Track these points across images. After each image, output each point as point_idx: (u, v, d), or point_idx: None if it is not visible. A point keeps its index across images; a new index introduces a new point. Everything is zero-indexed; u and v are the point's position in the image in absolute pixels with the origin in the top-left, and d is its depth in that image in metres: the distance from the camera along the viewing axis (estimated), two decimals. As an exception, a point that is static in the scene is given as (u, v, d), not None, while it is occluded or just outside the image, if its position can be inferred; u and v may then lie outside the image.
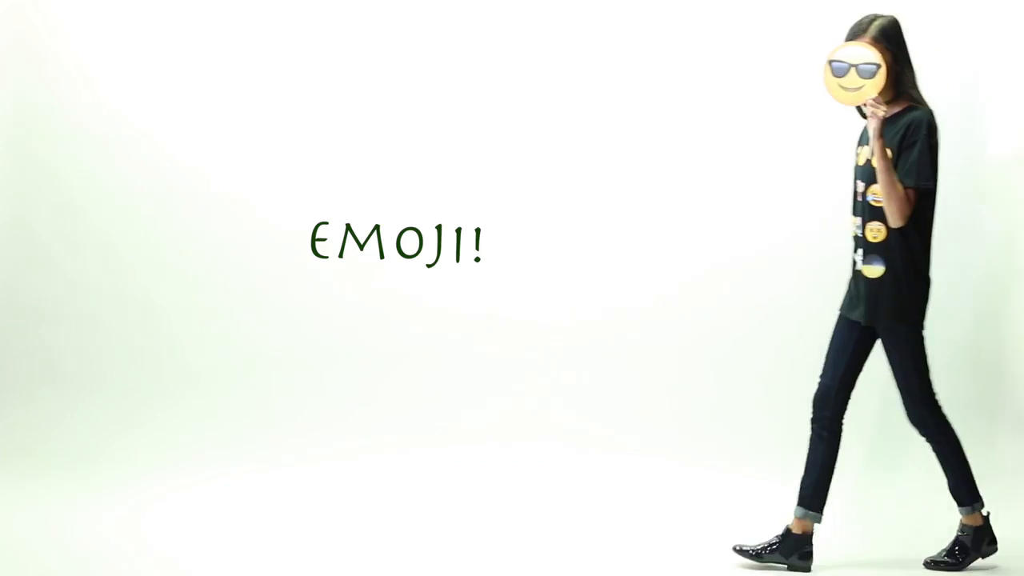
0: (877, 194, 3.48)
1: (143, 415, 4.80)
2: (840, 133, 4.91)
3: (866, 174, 3.52)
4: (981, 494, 3.65)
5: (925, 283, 3.57)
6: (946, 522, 3.75)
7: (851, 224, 3.62)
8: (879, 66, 3.42)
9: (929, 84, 4.88)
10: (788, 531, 3.64)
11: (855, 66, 3.44)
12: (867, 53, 3.43)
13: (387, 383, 4.84)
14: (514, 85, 4.93)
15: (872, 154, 3.45)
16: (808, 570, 3.60)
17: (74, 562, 3.52)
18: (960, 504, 3.66)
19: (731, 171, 4.90)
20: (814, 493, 3.64)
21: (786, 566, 3.61)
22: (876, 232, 3.51)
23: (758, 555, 3.61)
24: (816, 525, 3.66)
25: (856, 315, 3.59)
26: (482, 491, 3.86)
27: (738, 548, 3.63)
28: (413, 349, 4.76)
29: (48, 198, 4.98)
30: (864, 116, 3.55)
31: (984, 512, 3.67)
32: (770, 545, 3.63)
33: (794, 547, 3.61)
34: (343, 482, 4.43)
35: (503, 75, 4.94)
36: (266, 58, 4.92)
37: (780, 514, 4.02)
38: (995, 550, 3.67)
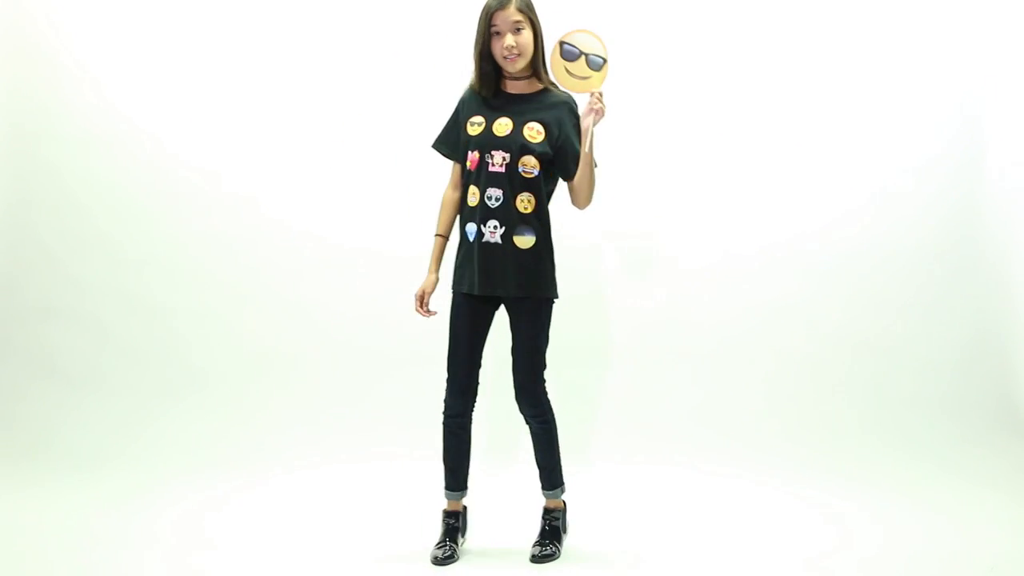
0: (528, 165, 3.39)
1: (146, 415, 4.79)
2: (843, 134, 4.95)
3: (515, 145, 3.39)
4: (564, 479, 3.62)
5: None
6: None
7: (472, 194, 3.42)
8: (606, 60, 3.42)
9: (930, 87, 4.91)
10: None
11: (586, 55, 3.40)
12: (597, 45, 3.41)
13: (398, 382, 4.83)
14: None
15: (581, 142, 3.39)
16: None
17: (77, 562, 3.51)
18: (551, 487, 3.59)
19: (731, 171, 4.92)
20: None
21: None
22: (527, 203, 3.44)
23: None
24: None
25: (500, 290, 3.43)
26: (482, 493, 3.86)
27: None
28: (426, 347, 4.71)
29: (51, 197, 4.95)
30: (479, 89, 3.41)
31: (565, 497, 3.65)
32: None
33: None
34: (349, 483, 4.41)
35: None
36: (269, 56, 4.92)
37: (778, 514, 4.01)
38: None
